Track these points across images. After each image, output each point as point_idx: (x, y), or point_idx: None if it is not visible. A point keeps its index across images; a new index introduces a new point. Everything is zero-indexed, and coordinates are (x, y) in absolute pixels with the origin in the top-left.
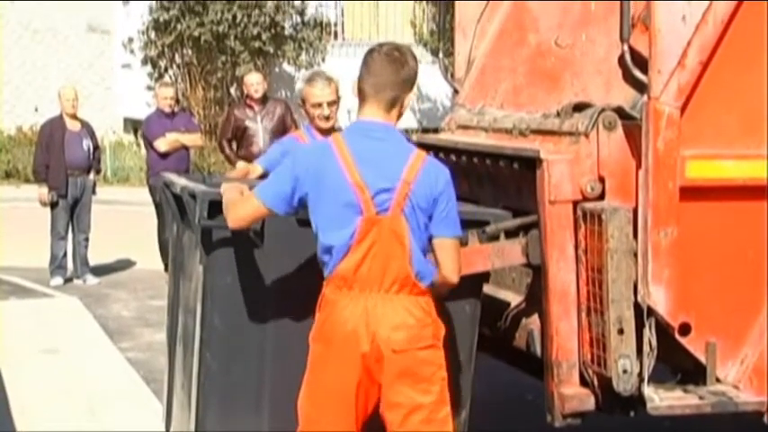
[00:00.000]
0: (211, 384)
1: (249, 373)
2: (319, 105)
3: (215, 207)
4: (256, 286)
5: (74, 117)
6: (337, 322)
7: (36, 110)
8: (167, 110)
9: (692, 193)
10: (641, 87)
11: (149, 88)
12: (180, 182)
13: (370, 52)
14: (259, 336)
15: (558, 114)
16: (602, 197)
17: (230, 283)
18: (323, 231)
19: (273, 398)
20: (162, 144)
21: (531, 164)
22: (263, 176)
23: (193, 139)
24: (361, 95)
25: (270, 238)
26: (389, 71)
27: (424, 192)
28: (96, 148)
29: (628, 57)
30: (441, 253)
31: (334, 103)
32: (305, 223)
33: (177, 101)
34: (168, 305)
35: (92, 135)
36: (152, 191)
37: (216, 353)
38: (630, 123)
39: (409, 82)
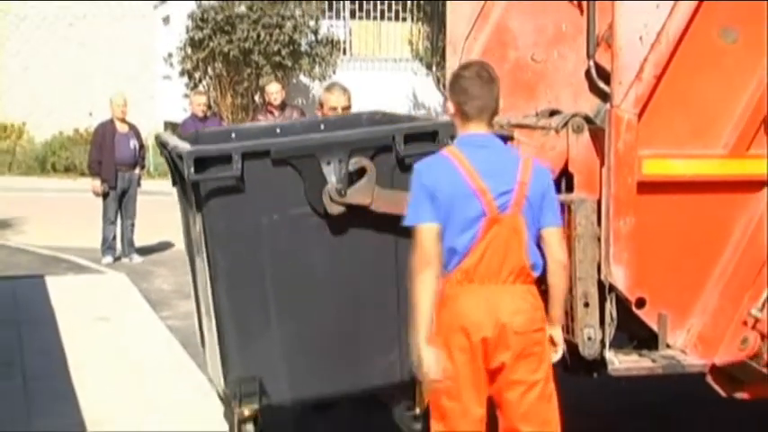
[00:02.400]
0: (224, 313)
1: (254, 298)
2: (334, 109)
3: (200, 163)
4: (247, 225)
5: (123, 120)
6: (461, 314)
7: (90, 114)
8: (200, 114)
9: (648, 187)
10: (605, 97)
11: (186, 96)
12: (171, 142)
13: (462, 76)
14: (258, 266)
15: (537, 115)
16: (570, 189)
17: (225, 226)
18: (448, 235)
19: (280, 317)
20: None
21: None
22: None
23: None
24: (465, 117)
25: (250, 182)
26: (487, 91)
27: (535, 190)
28: (141, 147)
29: (593, 71)
30: (551, 240)
31: (347, 108)
32: (280, 162)
33: (209, 107)
34: (186, 250)
35: (138, 136)
36: None
37: (224, 279)
38: (595, 127)
39: (499, 94)
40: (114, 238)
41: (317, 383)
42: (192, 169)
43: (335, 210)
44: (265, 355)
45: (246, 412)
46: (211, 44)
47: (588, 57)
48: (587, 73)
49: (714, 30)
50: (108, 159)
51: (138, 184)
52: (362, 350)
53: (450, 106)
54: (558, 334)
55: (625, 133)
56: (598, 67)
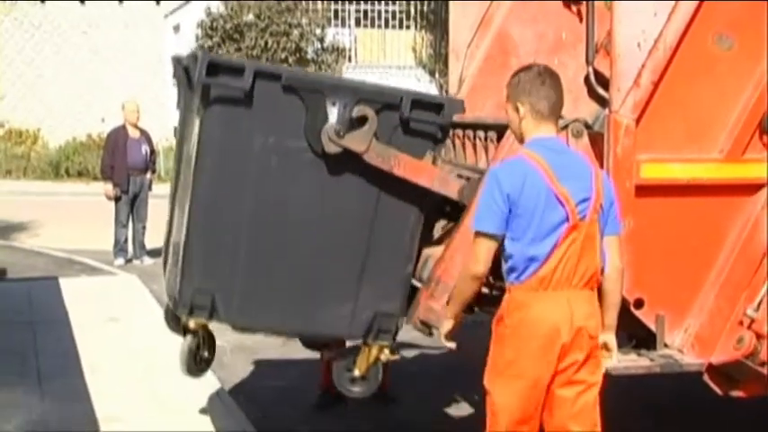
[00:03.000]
0: (196, 225)
1: (229, 216)
2: None
3: (213, 68)
4: (241, 141)
5: (135, 126)
6: (537, 321)
7: (103, 120)
8: None
9: (646, 190)
10: (603, 103)
11: None
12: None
13: (527, 78)
14: (240, 185)
15: None
16: None
17: (220, 136)
18: (525, 243)
19: (249, 242)
20: None
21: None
22: None
23: None
24: (539, 116)
25: (256, 101)
26: (557, 91)
27: (606, 198)
28: (152, 152)
29: (592, 77)
30: (612, 247)
31: None
32: (290, 90)
33: None
34: (173, 171)
35: (149, 141)
36: None
37: (205, 190)
38: (594, 132)
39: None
40: (126, 240)
41: (268, 316)
42: (204, 72)
43: (331, 149)
44: (225, 275)
45: (192, 324)
46: (220, 52)
47: (587, 63)
48: (586, 79)
49: (710, 37)
50: (120, 164)
51: (150, 188)
52: (319, 296)
53: (519, 109)
54: (612, 340)
55: (623, 138)
56: (597, 74)
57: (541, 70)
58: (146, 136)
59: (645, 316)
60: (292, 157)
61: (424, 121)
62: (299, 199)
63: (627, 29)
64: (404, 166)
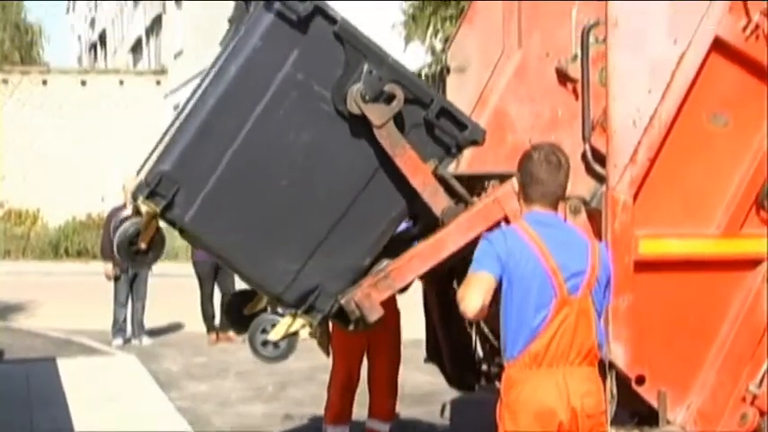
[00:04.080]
0: (195, 117)
1: (226, 127)
2: None
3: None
4: (271, 63)
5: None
6: (532, 399)
7: (102, 199)
8: None
9: (645, 266)
10: (600, 179)
11: None
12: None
13: (530, 158)
14: (251, 104)
15: None
16: None
17: (256, 46)
18: (515, 315)
19: (232, 160)
20: None
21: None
22: None
23: None
24: (528, 199)
25: (301, 32)
26: (554, 178)
27: (603, 273)
28: None
29: (589, 154)
30: (604, 318)
31: None
32: (338, 39)
33: None
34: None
35: None
36: (195, 265)
37: (218, 93)
38: (591, 209)
39: (567, 180)
40: (125, 320)
41: (218, 235)
42: None
43: (352, 109)
44: (199, 175)
45: (144, 207)
46: None
47: (584, 140)
48: (583, 156)
49: (705, 114)
50: None
51: (149, 267)
52: (275, 242)
53: (516, 184)
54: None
55: (621, 214)
56: (594, 150)
57: (548, 154)
58: None
59: (646, 393)
60: (310, 101)
61: (444, 130)
62: (298, 142)
63: (622, 106)
64: (406, 159)
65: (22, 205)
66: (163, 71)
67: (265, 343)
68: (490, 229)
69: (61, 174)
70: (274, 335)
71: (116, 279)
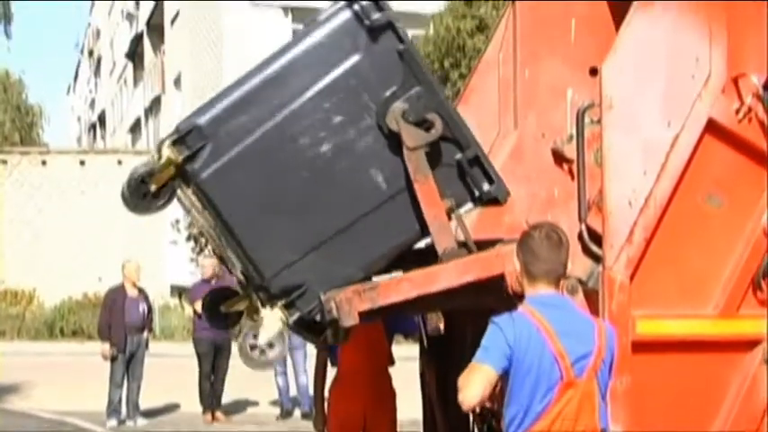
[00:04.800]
0: (251, 80)
1: (264, 103)
2: None
3: None
4: (332, 58)
5: (134, 285)
6: None
7: (100, 279)
8: (208, 277)
9: (642, 347)
10: (597, 259)
11: (192, 260)
12: None
13: (531, 237)
14: (298, 90)
15: None
16: None
17: (322, 39)
18: (520, 396)
19: (272, 131)
20: (199, 305)
21: None
22: None
23: None
24: (531, 277)
25: (375, 41)
26: (556, 255)
27: (609, 355)
28: (150, 311)
29: (585, 234)
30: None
31: None
32: (401, 59)
33: (217, 271)
34: None
35: (147, 300)
36: (195, 343)
37: (273, 68)
38: (588, 289)
39: (568, 258)
40: (120, 401)
41: (225, 201)
42: None
43: (391, 125)
44: (225, 141)
45: (166, 152)
46: None
47: (580, 220)
48: (580, 236)
49: (700, 195)
50: (118, 323)
51: (146, 347)
52: (277, 227)
53: (518, 263)
54: None
55: (618, 294)
56: (590, 231)
57: (549, 232)
58: (144, 295)
59: None
60: (355, 107)
61: (472, 178)
62: (331, 141)
63: (618, 187)
64: (426, 188)
65: (18, 285)
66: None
67: (262, 351)
68: (483, 280)
69: (58, 253)
70: (261, 340)
71: (113, 359)
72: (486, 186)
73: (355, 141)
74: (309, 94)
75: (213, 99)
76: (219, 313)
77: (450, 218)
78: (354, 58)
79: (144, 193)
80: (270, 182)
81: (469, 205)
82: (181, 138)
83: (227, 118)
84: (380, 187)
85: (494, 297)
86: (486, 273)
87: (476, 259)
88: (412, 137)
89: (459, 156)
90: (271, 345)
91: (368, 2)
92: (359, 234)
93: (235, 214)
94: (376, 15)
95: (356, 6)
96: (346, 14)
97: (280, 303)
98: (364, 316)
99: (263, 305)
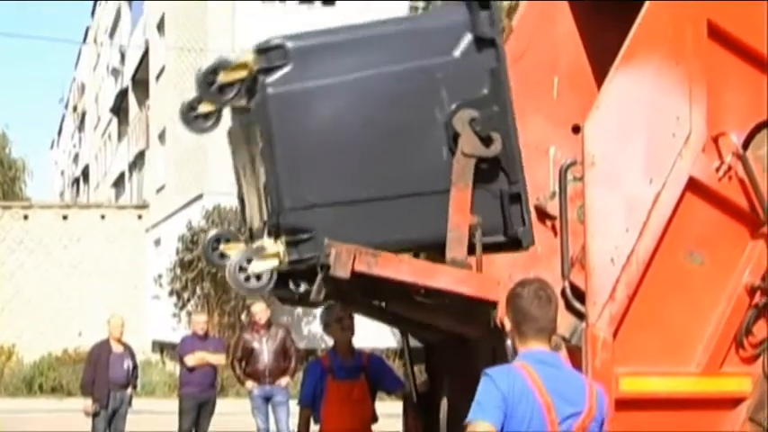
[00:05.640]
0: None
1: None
2: (340, 320)
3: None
4: (433, 52)
5: (118, 341)
6: None
7: (80, 334)
8: (200, 333)
9: (626, 404)
10: (580, 316)
11: (174, 315)
12: None
13: (520, 296)
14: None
15: None
16: None
17: (426, 44)
18: None
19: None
20: (190, 360)
21: None
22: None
23: (218, 359)
24: (523, 336)
25: (459, 47)
26: (546, 313)
27: (599, 416)
28: (135, 367)
29: (569, 290)
30: None
31: (352, 318)
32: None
33: (207, 329)
34: None
35: (132, 356)
36: (180, 399)
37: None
38: (572, 346)
39: (557, 314)
40: None
41: (279, 123)
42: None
43: (457, 126)
44: (303, 69)
45: (245, 58)
46: (200, 265)
47: (563, 277)
48: (563, 292)
49: (681, 253)
50: (102, 379)
51: (130, 404)
52: (316, 167)
53: (507, 322)
54: None
55: (601, 351)
56: (573, 287)
57: (537, 290)
58: (129, 350)
59: None
60: (430, 96)
61: (507, 212)
62: (397, 117)
63: (600, 244)
64: (461, 196)
65: None
66: (144, 206)
67: (248, 278)
68: (474, 298)
69: (39, 308)
70: (253, 268)
71: (95, 415)
72: (514, 226)
73: (419, 127)
74: (398, 67)
75: (313, 32)
76: (220, 255)
77: (471, 235)
78: (451, 56)
79: (210, 83)
80: (330, 126)
81: (500, 237)
82: (266, 49)
83: (316, 52)
84: (423, 178)
85: (475, 328)
86: (480, 293)
87: (477, 276)
88: (470, 143)
89: (504, 186)
90: (258, 277)
91: (485, 13)
92: (386, 211)
93: (285, 140)
94: (487, 29)
95: (474, 13)
96: (463, 16)
97: (283, 239)
98: (355, 277)
99: (270, 234)
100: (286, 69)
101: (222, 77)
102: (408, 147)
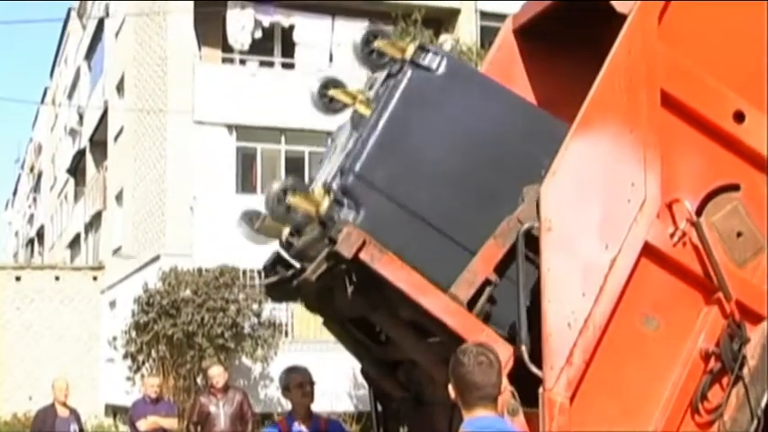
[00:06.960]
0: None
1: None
2: (301, 386)
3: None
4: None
5: (64, 405)
6: None
7: (30, 398)
8: (153, 396)
9: None
10: (537, 381)
11: (128, 379)
12: None
13: (462, 364)
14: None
15: None
16: None
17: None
18: None
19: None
20: (142, 425)
21: None
22: None
23: (171, 423)
24: (468, 404)
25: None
26: (488, 379)
27: None
28: (81, 431)
29: (526, 356)
30: None
31: (312, 384)
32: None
33: (160, 392)
34: None
35: (78, 420)
36: None
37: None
38: (529, 411)
39: (500, 378)
40: None
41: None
42: None
43: (527, 194)
44: None
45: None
46: (156, 327)
47: (520, 342)
48: (518, 357)
49: (637, 318)
50: None
51: None
52: (408, 170)
53: (452, 391)
54: None
55: (558, 416)
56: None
57: (477, 356)
58: (75, 415)
59: None
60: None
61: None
62: (498, 181)
63: (557, 308)
64: (492, 251)
65: None
66: (100, 267)
67: (279, 202)
68: (455, 334)
69: None
70: (291, 198)
71: None
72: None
73: (509, 196)
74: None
75: (467, 63)
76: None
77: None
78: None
79: (369, 52)
80: (437, 140)
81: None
82: (428, 50)
83: (463, 79)
84: (482, 241)
85: (445, 373)
86: (462, 331)
87: (466, 315)
88: (526, 213)
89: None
90: (289, 209)
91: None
92: (430, 241)
93: (395, 121)
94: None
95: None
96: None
97: (332, 195)
98: (355, 263)
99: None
100: (432, 74)
101: (379, 44)
102: (489, 206)
